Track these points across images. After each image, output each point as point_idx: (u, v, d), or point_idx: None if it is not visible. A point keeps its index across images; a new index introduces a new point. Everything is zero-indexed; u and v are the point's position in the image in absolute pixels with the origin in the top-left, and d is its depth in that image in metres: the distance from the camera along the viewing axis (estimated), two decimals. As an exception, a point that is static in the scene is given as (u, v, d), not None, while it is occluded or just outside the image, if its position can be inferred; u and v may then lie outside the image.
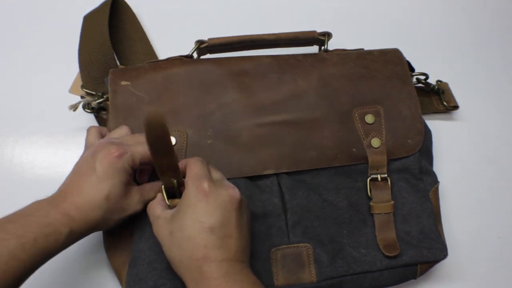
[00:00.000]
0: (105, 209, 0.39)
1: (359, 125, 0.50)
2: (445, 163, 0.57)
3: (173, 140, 0.46)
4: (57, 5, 0.62)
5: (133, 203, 0.42)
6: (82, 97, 0.51)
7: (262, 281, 0.39)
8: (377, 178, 0.48)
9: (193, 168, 0.39)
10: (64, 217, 0.37)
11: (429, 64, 0.59)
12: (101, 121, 0.53)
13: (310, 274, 0.45)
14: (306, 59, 0.52)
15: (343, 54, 0.54)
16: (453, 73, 0.62)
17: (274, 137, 0.48)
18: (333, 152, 0.49)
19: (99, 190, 0.39)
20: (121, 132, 0.45)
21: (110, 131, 0.47)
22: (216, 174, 0.41)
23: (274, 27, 0.54)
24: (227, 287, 0.34)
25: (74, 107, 0.50)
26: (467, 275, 0.53)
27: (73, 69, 0.57)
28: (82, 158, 0.42)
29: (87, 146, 0.46)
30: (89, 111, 0.50)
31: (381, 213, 0.47)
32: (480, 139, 0.60)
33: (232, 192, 0.38)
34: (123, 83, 0.48)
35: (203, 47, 0.51)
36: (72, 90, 0.56)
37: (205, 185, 0.37)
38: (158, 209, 0.40)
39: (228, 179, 0.42)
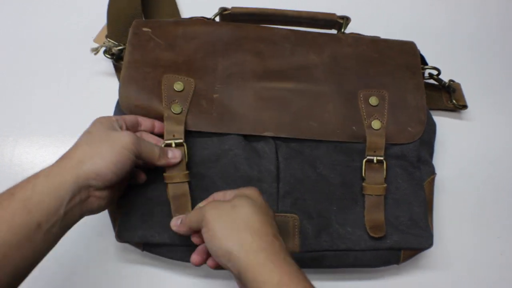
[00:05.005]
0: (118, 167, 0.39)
1: (363, 105, 0.50)
2: (447, 159, 0.57)
3: (180, 85, 0.47)
4: (58, 6, 0.62)
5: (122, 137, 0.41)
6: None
7: None
8: (373, 160, 0.49)
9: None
10: (73, 163, 0.37)
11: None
12: (118, 70, 0.55)
13: (293, 244, 0.46)
14: (322, 36, 0.54)
15: (358, 37, 0.55)
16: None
17: (278, 101, 0.49)
18: (334, 127, 0.49)
19: (114, 148, 0.39)
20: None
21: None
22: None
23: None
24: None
25: (96, 50, 0.53)
26: (467, 275, 0.53)
27: (72, 68, 0.57)
28: (88, 132, 0.41)
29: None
30: (109, 56, 0.53)
31: (372, 195, 0.48)
32: (485, 140, 0.60)
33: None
34: (145, 29, 0.50)
35: (225, 13, 0.54)
36: (96, 40, 0.58)
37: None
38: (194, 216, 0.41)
39: (228, 134, 0.47)
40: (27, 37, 0.59)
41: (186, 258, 0.45)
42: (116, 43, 0.53)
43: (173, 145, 0.45)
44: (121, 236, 0.45)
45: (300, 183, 0.48)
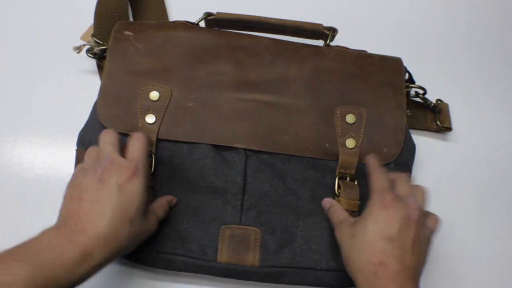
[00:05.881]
0: (128, 235, 0.38)
1: (339, 122, 0.50)
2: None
3: (156, 95, 0.48)
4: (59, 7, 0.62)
5: (151, 224, 0.42)
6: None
7: (206, 254, 0.45)
8: (346, 176, 0.48)
9: (379, 180, 0.43)
10: (83, 256, 0.34)
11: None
12: (101, 69, 0.55)
13: (253, 258, 0.46)
14: (305, 48, 0.53)
15: (343, 51, 0.54)
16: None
17: (252, 113, 0.49)
18: (307, 142, 0.49)
19: (124, 215, 0.37)
20: (106, 141, 0.42)
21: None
22: (402, 189, 0.42)
23: (287, 16, 0.55)
24: None
25: (78, 49, 0.54)
26: (467, 275, 0.53)
27: (72, 68, 0.57)
28: (85, 184, 0.38)
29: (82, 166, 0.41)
30: (91, 56, 0.53)
31: (347, 210, 0.47)
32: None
33: (410, 212, 0.39)
34: (127, 33, 0.51)
35: (210, 19, 0.54)
36: (83, 38, 0.58)
37: (388, 198, 0.40)
38: (342, 214, 0.45)
39: (197, 143, 0.48)
40: (26, 37, 0.59)
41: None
42: (100, 43, 0.53)
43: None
44: None
45: (266, 196, 0.48)
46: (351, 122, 0.50)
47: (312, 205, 0.48)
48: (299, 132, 0.49)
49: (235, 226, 0.46)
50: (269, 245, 0.46)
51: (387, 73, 0.53)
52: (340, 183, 0.48)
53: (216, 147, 0.48)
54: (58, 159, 0.54)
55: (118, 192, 0.37)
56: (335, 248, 0.46)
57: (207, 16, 0.53)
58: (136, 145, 0.42)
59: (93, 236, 0.35)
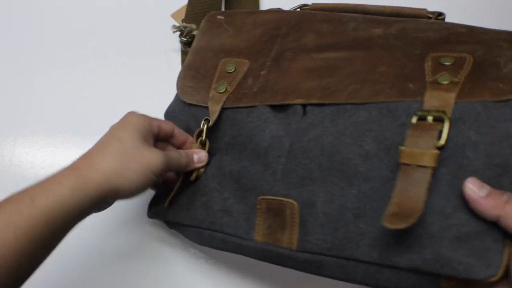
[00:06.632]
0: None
1: (430, 63, 0.37)
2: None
3: (232, 67, 0.47)
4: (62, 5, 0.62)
5: (153, 153, 0.38)
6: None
7: (244, 231, 0.38)
8: (425, 116, 0.33)
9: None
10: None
11: None
12: (184, 55, 0.56)
13: (289, 239, 0.36)
14: (397, 19, 0.44)
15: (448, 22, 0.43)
16: None
17: (324, 70, 0.41)
18: (383, 86, 0.37)
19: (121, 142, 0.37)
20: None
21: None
22: None
23: (383, 2, 0.50)
24: None
25: (176, 29, 0.55)
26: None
27: (72, 68, 0.57)
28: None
29: None
30: (184, 39, 0.55)
31: (411, 164, 0.31)
32: None
33: None
34: (219, 17, 0.52)
35: (305, 9, 0.53)
36: (173, 16, 0.61)
37: None
38: None
39: (255, 106, 0.43)
40: (27, 36, 0.60)
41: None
42: (195, 27, 0.54)
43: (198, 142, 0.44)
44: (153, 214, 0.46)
45: (310, 158, 0.37)
46: (448, 63, 0.36)
47: (370, 165, 0.34)
48: (375, 78, 0.38)
49: (271, 197, 0.37)
50: (308, 223, 0.35)
51: (502, 33, 0.38)
52: (412, 126, 0.33)
53: (274, 108, 0.42)
54: (58, 159, 0.54)
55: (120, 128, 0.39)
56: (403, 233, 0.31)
57: (302, 6, 0.52)
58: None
59: (103, 175, 0.35)
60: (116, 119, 0.40)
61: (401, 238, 0.31)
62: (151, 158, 0.38)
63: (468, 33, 0.38)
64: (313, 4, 0.51)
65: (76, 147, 0.54)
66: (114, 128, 0.39)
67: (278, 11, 0.52)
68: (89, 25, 0.60)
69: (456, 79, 0.34)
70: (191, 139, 0.45)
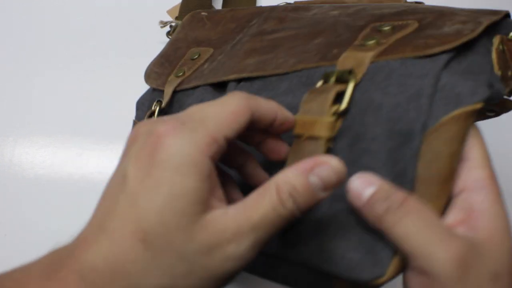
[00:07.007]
0: (144, 267, 0.20)
1: (367, 31, 0.32)
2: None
3: (196, 54, 0.47)
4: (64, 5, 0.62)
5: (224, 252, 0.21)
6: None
7: None
8: (329, 78, 0.29)
9: None
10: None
11: None
12: None
13: None
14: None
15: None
16: None
17: (267, 48, 0.40)
18: (308, 55, 0.33)
19: (133, 222, 0.20)
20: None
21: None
22: None
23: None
24: None
25: (164, 24, 0.56)
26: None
27: (71, 68, 0.57)
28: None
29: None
30: (170, 37, 0.56)
31: (302, 135, 0.27)
32: None
33: None
34: (203, 13, 0.53)
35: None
36: (169, 12, 0.62)
37: None
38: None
39: (198, 87, 0.42)
40: (27, 36, 0.60)
41: None
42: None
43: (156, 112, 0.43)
44: None
45: None
46: (386, 28, 0.30)
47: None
48: (307, 49, 0.35)
49: None
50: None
51: (473, 13, 0.30)
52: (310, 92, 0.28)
53: (216, 88, 0.41)
54: (58, 159, 0.54)
55: (129, 175, 0.21)
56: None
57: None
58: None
59: (82, 260, 0.21)
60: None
61: (294, 227, 0.26)
62: (221, 258, 0.20)
63: (432, 8, 0.32)
64: (295, 2, 0.53)
65: (76, 147, 0.54)
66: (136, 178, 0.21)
67: (257, 7, 0.52)
68: (89, 25, 0.60)
69: (383, 40, 0.29)
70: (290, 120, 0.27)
